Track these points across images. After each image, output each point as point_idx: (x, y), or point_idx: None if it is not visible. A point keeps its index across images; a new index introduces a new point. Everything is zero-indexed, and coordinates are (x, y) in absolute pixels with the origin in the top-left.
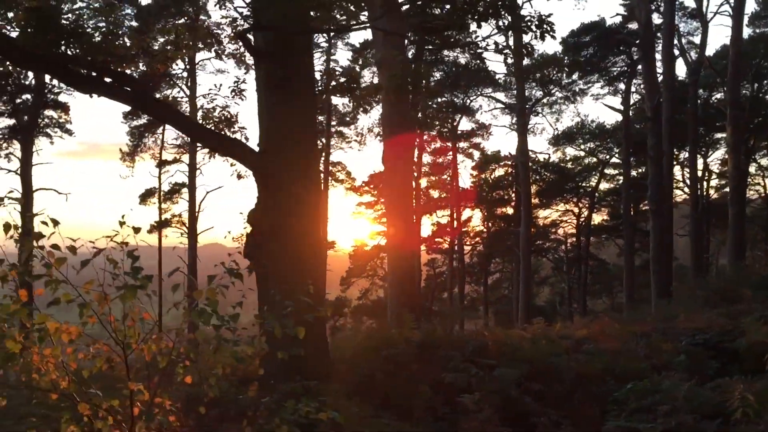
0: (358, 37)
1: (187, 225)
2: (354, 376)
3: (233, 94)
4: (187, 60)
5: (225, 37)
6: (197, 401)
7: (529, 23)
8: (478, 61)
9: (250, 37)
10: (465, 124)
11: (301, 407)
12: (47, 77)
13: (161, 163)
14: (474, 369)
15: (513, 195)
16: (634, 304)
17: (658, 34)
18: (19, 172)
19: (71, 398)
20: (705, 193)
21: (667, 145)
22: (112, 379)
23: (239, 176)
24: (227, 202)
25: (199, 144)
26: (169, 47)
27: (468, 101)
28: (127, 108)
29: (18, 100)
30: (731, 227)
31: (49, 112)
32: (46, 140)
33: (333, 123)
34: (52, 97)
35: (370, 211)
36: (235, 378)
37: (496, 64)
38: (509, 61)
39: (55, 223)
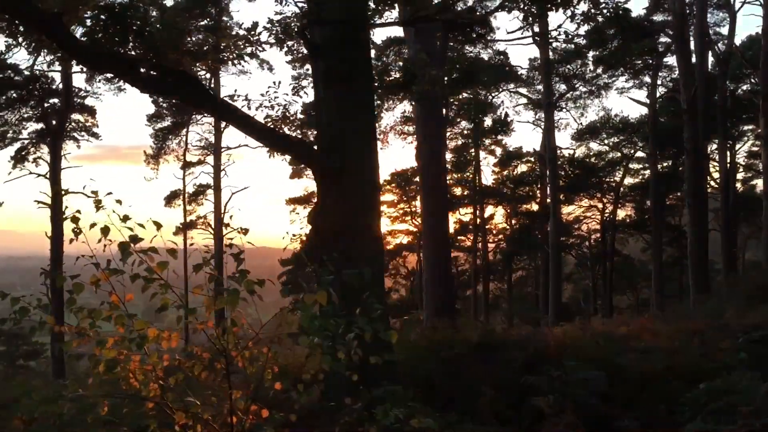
0: (380, 34)
1: (212, 226)
2: (412, 379)
3: (294, 91)
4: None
5: (270, 35)
6: (286, 408)
7: (603, 9)
8: (501, 57)
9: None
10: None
11: (393, 413)
12: (75, 81)
13: (186, 165)
14: (556, 371)
15: (538, 191)
16: (663, 300)
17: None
18: (48, 176)
19: (167, 407)
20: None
21: (701, 137)
22: (195, 386)
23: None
24: (253, 202)
25: (261, 143)
26: (235, 45)
27: (490, 98)
28: (151, 110)
29: (46, 104)
30: (767, 221)
31: (75, 116)
32: (73, 144)
33: None
34: (79, 100)
35: (391, 210)
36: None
37: (518, 60)
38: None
39: (158, 226)
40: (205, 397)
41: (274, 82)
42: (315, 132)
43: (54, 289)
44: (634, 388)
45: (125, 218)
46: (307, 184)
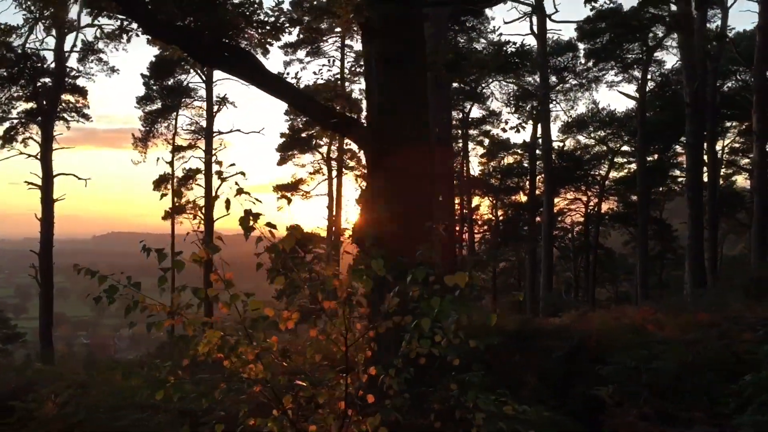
0: None
1: (203, 211)
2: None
3: (351, 72)
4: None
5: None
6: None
7: None
8: (494, 47)
9: None
10: (475, 112)
11: (484, 399)
12: (68, 61)
13: (176, 149)
14: (631, 362)
15: (527, 183)
16: (647, 293)
17: None
18: (39, 156)
19: (273, 391)
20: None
21: (702, 132)
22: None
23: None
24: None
25: (315, 123)
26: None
27: (480, 88)
28: (141, 93)
29: (38, 84)
30: (757, 216)
31: (66, 97)
32: (63, 125)
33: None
34: (70, 81)
35: None
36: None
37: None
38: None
39: (288, 200)
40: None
41: (329, 60)
42: (366, 112)
43: (44, 272)
44: (672, 379)
45: (240, 191)
46: (295, 171)
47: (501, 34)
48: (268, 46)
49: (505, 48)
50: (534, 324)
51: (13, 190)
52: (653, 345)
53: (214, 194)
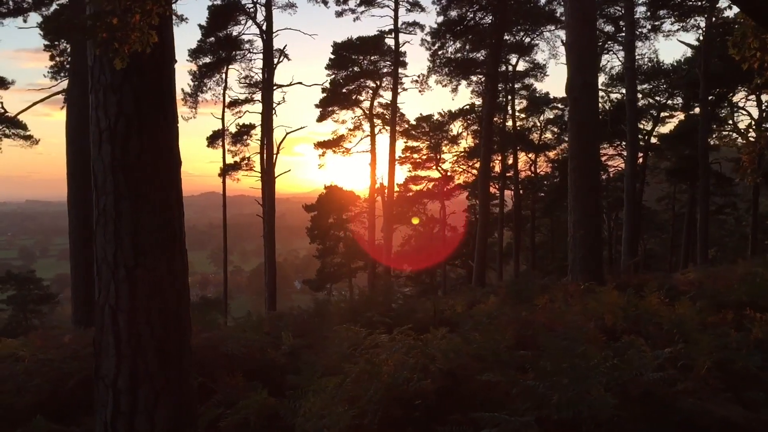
0: None
1: (261, 168)
2: None
3: None
4: None
5: None
6: None
7: None
8: None
9: None
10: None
11: None
12: None
13: (231, 104)
14: None
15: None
16: (705, 251)
17: None
18: None
19: None
20: None
21: None
22: None
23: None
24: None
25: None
26: None
27: (525, 40)
28: (194, 45)
29: None
30: None
31: None
32: None
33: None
34: None
35: (415, 156)
36: None
37: None
38: None
39: None
40: None
41: None
42: None
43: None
44: None
45: None
46: (336, 127)
47: None
48: None
49: None
50: None
51: (9, 152)
52: None
53: (276, 150)
